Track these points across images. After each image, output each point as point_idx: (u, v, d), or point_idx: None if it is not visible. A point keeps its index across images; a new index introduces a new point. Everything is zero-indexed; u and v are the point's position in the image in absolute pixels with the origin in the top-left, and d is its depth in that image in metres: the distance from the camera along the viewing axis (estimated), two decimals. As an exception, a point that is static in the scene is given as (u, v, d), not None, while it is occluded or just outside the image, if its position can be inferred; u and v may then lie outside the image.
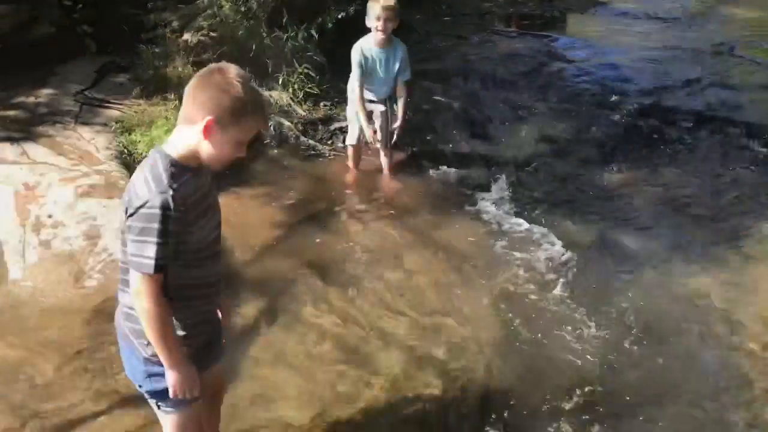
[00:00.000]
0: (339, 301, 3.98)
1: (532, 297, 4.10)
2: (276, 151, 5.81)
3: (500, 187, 5.45)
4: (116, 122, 5.45)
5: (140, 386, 2.36)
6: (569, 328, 3.83)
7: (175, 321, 2.20)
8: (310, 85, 6.41)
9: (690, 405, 3.36)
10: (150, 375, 2.29)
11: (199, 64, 6.05)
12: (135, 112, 5.64)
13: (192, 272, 2.21)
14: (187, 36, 6.32)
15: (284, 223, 4.78)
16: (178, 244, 2.07)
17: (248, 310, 3.80)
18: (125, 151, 5.13)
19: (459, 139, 6.38)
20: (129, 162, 5.05)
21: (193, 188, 2.11)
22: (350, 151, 5.62)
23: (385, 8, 4.89)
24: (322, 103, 6.48)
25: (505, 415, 3.24)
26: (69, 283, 3.81)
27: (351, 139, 5.51)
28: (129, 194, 2.09)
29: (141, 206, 2.01)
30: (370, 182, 5.58)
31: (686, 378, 3.51)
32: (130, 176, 4.66)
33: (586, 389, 3.39)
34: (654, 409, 3.30)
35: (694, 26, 11.29)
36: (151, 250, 2.01)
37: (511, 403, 3.31)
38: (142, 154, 5.13)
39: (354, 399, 3.23)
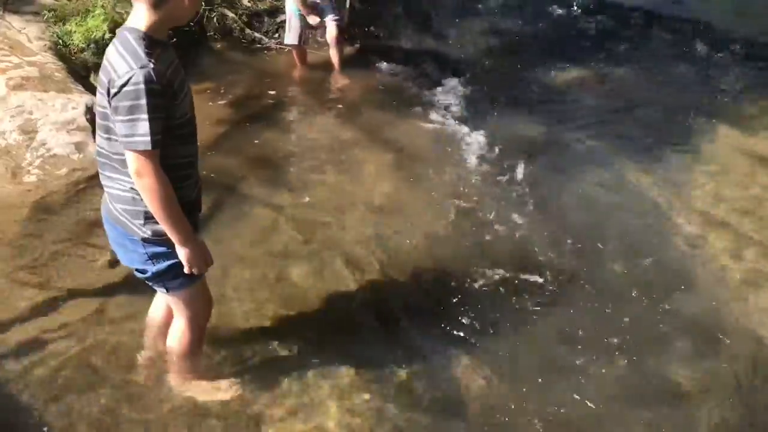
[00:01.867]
0: (286, 197, 3.98)
1: (475, 194, 4.16)
2: (219, 44, 5.63)
3: (449, 85, 5.43)
4: (48, 11, 5.14)
5: (143, 272, 2.32)
6: (510, 222, 3.91)
7: None
8: (254, -25, 6.15)
9: (618, 299, 3.52)
10: (152, 256, 2.26)
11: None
12: (68, 0, 5.33)
13: (179, 150, 2.19)
14: None
15: (229, 119, 4.69)
16: (167, 119, 2.05)
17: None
18: (60, 42, 4.88)
19: (409, 35, 6.28)
20: (64, 53, 4.82)
21: (167, 61, 2.09)
22: (294, 51, 5.46)
23: None
24: (267, -6, 6.24)
25: (435, 292, 3.36)
26: (6, 179, 3.70)
27: (291, 38, 5.32)
28: (107, 75, 2.04)
29: (125, 84, 1.98)
30: (318, 77, 5.48)
31: (621, 277, 3.61)
32: (66, 69, 4.55)
33: (519, 274, 3.49)
34: (582, 302, 3.45)
35: None
36: (143, 127, 1.98)
37: (442, 282, 3.42)
38: (78, 45, 4.90)
39: (302, 292, 3.28)
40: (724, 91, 5.64)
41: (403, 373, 2.88)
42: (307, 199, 3.98)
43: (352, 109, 5.05)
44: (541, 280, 3.48)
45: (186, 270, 2.25)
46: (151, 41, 2.05)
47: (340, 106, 5.11)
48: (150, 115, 1.98)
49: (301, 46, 5.39)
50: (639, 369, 3.03)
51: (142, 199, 2.12)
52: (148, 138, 1.99)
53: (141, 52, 2.01)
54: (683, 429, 2.79)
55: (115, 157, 2.14)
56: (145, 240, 2.23)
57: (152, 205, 2.08)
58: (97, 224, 3.30)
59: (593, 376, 2.96)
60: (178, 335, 2.58)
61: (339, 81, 5.44)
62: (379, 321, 3.19)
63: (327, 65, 5.52)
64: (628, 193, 4.30)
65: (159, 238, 2.21)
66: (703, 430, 2.78)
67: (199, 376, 2.73)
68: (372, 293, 3.33)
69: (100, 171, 2.25)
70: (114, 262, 3.21)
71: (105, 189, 2.27)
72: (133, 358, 2.79)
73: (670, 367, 3.06)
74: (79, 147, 3.94)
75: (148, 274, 2.32)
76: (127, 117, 1.99)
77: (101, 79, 2.09)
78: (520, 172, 4.40)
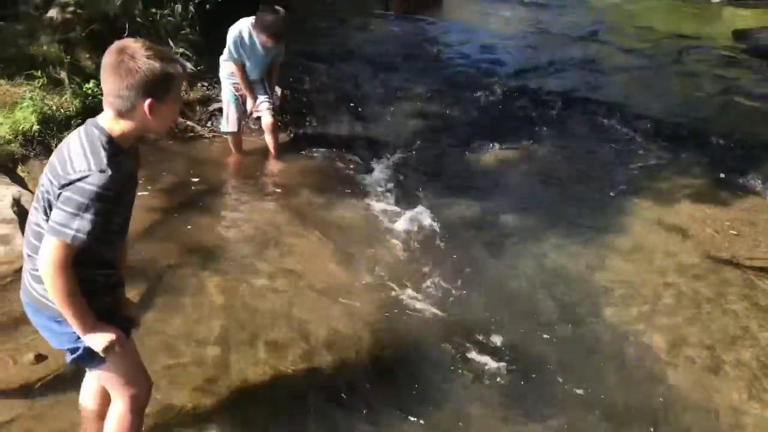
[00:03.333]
0: (220, 284, 3.94)
1: (412, 275, 4.22)
2: (152, 134, 5.63)
3: (380, 167, 5.57)
4: (-26, 104, 5.09)
5: (74, 351, 2.26)
6: (438, 303, 3.96)
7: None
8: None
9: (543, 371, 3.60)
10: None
11: (67, 42, 5.77)
12: (-5, 93, 5.29)
13: (102, 248, 2.21)
14: (52, 13, 5.98)
15: (162, 207, 4.65)
16: (105, 223, 2.08)
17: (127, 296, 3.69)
18: (-15, 134, 4.82)
19: (341, 120, 6.45)
20: (-10, 146, 4.74)
21: (125, 169, 2.14)
22: (230, 138, 5.53)
23: (277, 39, 5.01)
24: (199, 84, 6.34)
25: (370, 379, 3.35)
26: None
27: (231, 126, 5.40)
28: (63, 164, 2.06)
29: (78, 179, 2.01)
30: (252, 163, 5.54)
31: (548, 347, 3.73)
32: (-8, 161, 4.47)
33: (454, 351, 3.55)
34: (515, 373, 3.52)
35: (562, 11, 11.93)
36: (78, 223, 2.01)
37: (380, 372, 3.41)
38: (5, 137, 4.83)
39: (239, 378, 3.22)
40: (639, 167, 5.96)
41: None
42: (243, 284, 3.96)
43: (287, 193, 5.11)
44: (476, 357, 3.54)
45: (102, 354, 2.23)
46: (115, 148, 2.10)
47: (276, 190, 5.17)
48: (92, 216, 2.02)
49: (239, 132, 5.47)
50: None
51: None
52: (73, 233, 2.02)
53: (103, 155, 2.05)
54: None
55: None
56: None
57: (51, 291, 2.09)
58: (24, 317, 3.20)
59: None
60: (116, 419, 2.48)
61: (274, 166, 5.51)
62: (320, 403, 3.16)
63: (262, 151, 5.60)
64: (554, 271, 4.42)
65: None
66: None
67: None
68: (310, 376, 3.31)
69: (25, 251, 2.23)
70: (40, 357, 3.10)
71: (27, 272, 2.25)
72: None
73: None
74: (4, 239, 3.84)
75: (80, 352, 2.26)
76: (69, 209, 2.02)
77: (53, 162, 2.11)
78: (450, 250, 4.50)
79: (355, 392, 3.25)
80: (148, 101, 2.06)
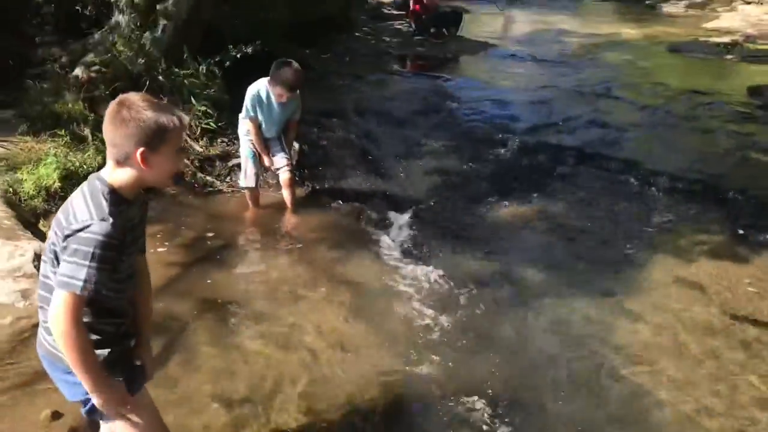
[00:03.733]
0: (237, 339, 3.95)
1: (425, 332, 4.20)
2: (171, 188, 5.73)
3: (397, 223, 5.61)
4: (1, 160, 5.21)
5: (84, 403, 2.28)
6: (447, 361, 3.92)
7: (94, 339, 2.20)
8: (207, 122, 6.39)
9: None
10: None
11: (91, 101, 5.94)
12: (21, 149, 5.43)
13: (111, 297, 2.24)
14: (77, 71, 6.17)
15: (180, 262, 4.70)
16: (110, 272, 2.12)
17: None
18: (10, 189, 4.92)
19: (357, 175, 6.52)
20: (13, 201, 4.84)
21: (127, 219, 2.20)
22: (248, 193, 5.62)
23: (291, 90, 5.14)
24: (219, 140, 6.47)
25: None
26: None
27: (249, 181, 5.50)
28: (66, 215, 2.14)
29: (80, 229, 2.07)
30: (270, 219, 5.60)
31: (559, 409, 3.65)
32: (15, 216, 4.56)
33: (467, 408, 3.50)
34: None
35: (575, 68, 12.08)
36: (83, 273, 2.05)
37: (394, 423, 3.41)
38: (29, 192, 4.93)
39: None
40: (654, 223, 5.94)
41: None
42: (260, 339, 3.96)
43: (305, 248, 5.14)
44: (484, 418, 3.49)
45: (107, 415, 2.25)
46: (117, 198, 2.16)
47: (293, 245, 5.20)
48: (97, 264, 2.06)
49: (257, 187, 5.55)
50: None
51: None
52: (81, 283, 2.05)
53: (105, 205, 2.11)
54: None
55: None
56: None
57: (63, 346, 2.11)
58: (41, 374, 3.21)
59: None
60: None
61: (291, 221, 5.57)
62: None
63: (279, 206, 5.67)
64: (567, 331, 4.36)
65: None
66: None
67: None
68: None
69: (39, 304, 2.27)
70: (57, 415, 3.10)
71: (40, 325, 2.29)
72: None
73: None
74: (24, 294, 3.88)
75: (91, 405, 2.26)
76: (73, 260, 2.06)
77: (58, 217, 2.18)
78: (461, 308, 4.47)
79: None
80: (140, 150, 2.12)
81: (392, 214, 5.74)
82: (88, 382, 2.17)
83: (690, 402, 3.72)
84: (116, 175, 2.18)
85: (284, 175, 5.48)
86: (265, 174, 5.73)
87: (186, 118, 2.24)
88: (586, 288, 4.83)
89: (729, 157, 7.77)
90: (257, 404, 3.41)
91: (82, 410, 2.33)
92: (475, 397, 3.62)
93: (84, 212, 2.10)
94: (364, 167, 6.73)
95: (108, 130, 2.15)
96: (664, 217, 6.07)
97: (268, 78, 5.17)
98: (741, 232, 5.78)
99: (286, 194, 5.58)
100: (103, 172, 2.21)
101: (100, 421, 2.37)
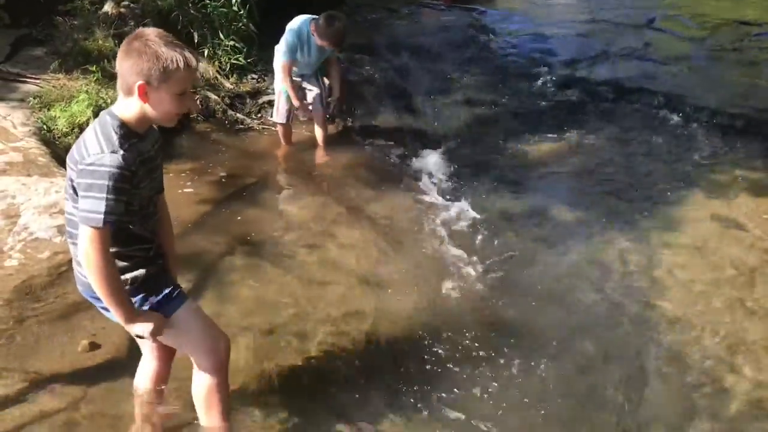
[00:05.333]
0: (269, 274, 3.98)
1: (458, 268, 4.18)
2: (203, 125, 5.72)
3: (429, 159, 5.54)
4: (34, 97, 5.24)
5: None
6: (481, 296, 3.93)
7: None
8: (236, 57, 6.32)
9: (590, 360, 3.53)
10: (140, 304, 2.34)
11: (120, 37, 5.88)
12: (54, 86, 5.43)
13: (135, 225, 2.30)
14: (107, 8, 6.11)
15: (212, 198, 4.72)
16: (126, 203, 2.15)
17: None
18: (44, 127, 4.95)
19: (389, 112, 6.43)
20: (48, 138, 4.87)
21: (138, 152, 2.20)
22: (279, 129, 5.57)
23: (338, 46, 5.16)
24: (249, 76, 6.41)
25: (418, 369, 3.34)
26: (-12, 264, 3.68)
27: (280, 117, 5.44)
28: (79, 151, 2.15)
29: (92, 163, 2.09)
30: (302, 156, 5.58)
31: (593, 343, 3.64)
32: (50, 153, 4.60)
33: (498, 346, 3.50)
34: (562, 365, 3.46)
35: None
36: (102, 206, 2.08)
37: (426, 358, 3.40)
38: (62, 130, 4.97)
39: (286, 369, 3.25)
40: (694, 159, 5.77)
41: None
42: (292, 274, 3.98)
43: (336, 185, 5.12)
44: (518, 352, 3.48)
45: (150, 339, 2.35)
46: (128, 131, 2.17)
47: (324, 182, 5.19)
48: (112, 195, 2.09)
49: (288, 123, 5.50)
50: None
51: None
52: (101, 216, 2.08)
53: (115, 138, 2.13)
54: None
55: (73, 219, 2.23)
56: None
57: (94, 281, 2.17)
58: (78, 306, 3.29)
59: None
60: (201, 383, 2.54)
61: (323, 158, 5.53)
62: (370, 390, 3.18)
63: (310, 143, 5.63)
64: (602, 266, 4.31)
65: (131, 287, 2.32)
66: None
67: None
68: (360, 365, 3.34)
69: (68, 239, 2.32)
70: (95, 345, 3.18)
71: (74, 260, 2.34)
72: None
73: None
74: (61, 230, 3.93)
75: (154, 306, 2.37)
76: (90, 194, 2.09)
77: (72, 153, 2.20)
78: (495, 243, 4.45)
79: (401, 381, 3.25)
80: (139, 83, 2.11)
81: (425, 151, 5.67)
82: (120, 314, 2.23)
83: (725, 336, 3.69)
84: (123, 108, 2.18)
85: (317, 111, 5.42)
86: (297, 111, 5.67)
87: (195, 62, 2.18)
88: (622, 224, 4.75)
89: (776, 90, 7.46)
90: (287, 336, 3.46)
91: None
92: (507, 332, 3.63)
93: (95, 146, 2.12)
94: (396, 103, 6.61)
95: (118, 60, 2.16)
96: (704, 152, 5.89)
97: (313, 25, 5.01)
98: (784, 168, 5.60)
99: (318, 131, 5.54)
100: (113, 107, 2.21)
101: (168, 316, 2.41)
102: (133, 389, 2.83)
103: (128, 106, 2.18)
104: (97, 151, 2.10)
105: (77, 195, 2.15)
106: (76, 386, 2.98)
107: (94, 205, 2.08)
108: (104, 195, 2.07)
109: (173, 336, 2.46)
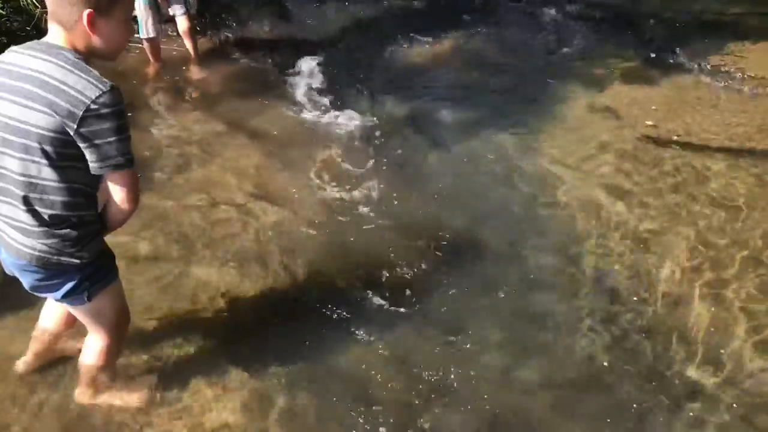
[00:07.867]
0: (152, 198, 3.77)
1: (346, 176, 4.15)
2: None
3: (308, 69, 5.36)
4: None
5: (75, 290, 2.15)
6: (379, 203, 3.94)
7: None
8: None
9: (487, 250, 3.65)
10: (89, 278, 2.14)
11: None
12: None
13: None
14: None
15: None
16: None
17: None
18: None
19: (263, 22, 6.14)
20: None
21: None
22: (146, 46, 5.15)
23: None
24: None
25: (316, 280, 3.34)
26: None
27: (150, 30, 5.00)
28: (63, 99, 1.82)
29: (104, 104, 1.82)
30: (174, 73, 5.24)
31: (497, 240, 3.76)
32: None
33: (390, 254, 3.54)
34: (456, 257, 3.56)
35: None
36: (127, 146, 1.91)
37: (323, 271, 3.40)
38: None
39: (193, 290, 3.15)
40: (570, 52, 5.93)
41: (309, 366, 2.88)
42: (176, 198, 3.81)
43: (214, 101, 4.88)
44: (423, 258, 3.53)
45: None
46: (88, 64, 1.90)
47: (201, 99, 4.92)
48: (129, 134, 1.92)
49: (157, 38, 5.11)
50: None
51: (78, 224, 2.02)
52: (132, 157, 1.95)
53: (97, 72, 1.86)
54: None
55: (50, 184, 1.94)
56: (85, 264, 2.11)
57: (119, 225, 2.13)
58: None
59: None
60: (98, 348, 2.43)
61: (196, 74, 5.23)
62: (277, 312, 3.17)
63: (182, 59, 5.29)
64: (494, 160, 4.42)
65: (93, 255, 2.13)
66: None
67: (111, 385, 2.59)
68: (266, 286, 3.29)
69: (7, 209, 2.01)
70: None
71: (13, 229, 2.02)
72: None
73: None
74: None
75: (85, 295, 2.18)
76: (112, 138, 1.86)
77: (51, 100, 1.82)
78: (387, 149, 4.44)
79: (306, 301, 3.24)
80: (87, 12, 1.83)
81: (302, 61, 5.46)
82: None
83: (601, 215, 3.92)
84: (68, 44, 1.88)
85: (183, 24, 5.05)
86: (165, 24, 5.27)
87: None
88: (507, 118, 4.87)
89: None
90: (174, 264, 3.36)
91: (68, 300, 2.21)
92: (413, 238, 3.67)
93: (89, 87, 1.82)
94: (268, 14, 6.30)
95: None
96: (579, 45, 6.04)
97: None
98: (653, 55, 5.83)
99: (187, 44, 5.19)
100: (53, 41, 1.89)
101: (87, 304, 2.22)
102: (36, 329, 2.66)
103: (71, 42, 1.88)
104: (91, 91, 1.81)
105: (48, 146, 1.87)
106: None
107: (121, 148, 1.89)
108: (125, 135, 1.89)
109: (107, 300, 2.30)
